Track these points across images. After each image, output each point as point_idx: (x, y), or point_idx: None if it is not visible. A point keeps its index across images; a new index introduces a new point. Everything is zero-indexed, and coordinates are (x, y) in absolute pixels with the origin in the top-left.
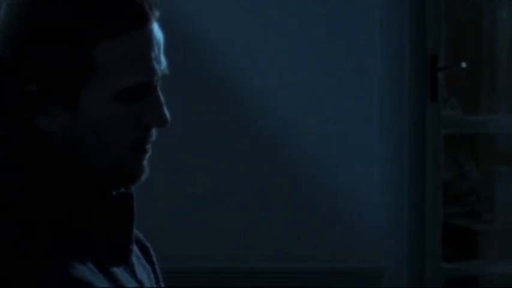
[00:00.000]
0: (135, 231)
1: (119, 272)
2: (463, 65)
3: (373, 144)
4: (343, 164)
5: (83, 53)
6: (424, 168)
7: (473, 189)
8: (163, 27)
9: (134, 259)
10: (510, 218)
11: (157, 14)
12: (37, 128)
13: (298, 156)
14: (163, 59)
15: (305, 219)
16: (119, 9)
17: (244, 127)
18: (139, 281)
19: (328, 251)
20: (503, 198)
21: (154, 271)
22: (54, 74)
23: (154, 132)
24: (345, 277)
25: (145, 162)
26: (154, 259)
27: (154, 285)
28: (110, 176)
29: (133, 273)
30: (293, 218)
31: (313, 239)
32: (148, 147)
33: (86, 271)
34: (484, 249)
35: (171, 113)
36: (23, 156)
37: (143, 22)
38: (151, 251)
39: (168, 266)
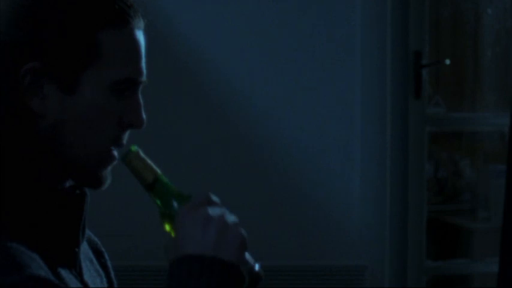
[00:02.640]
0: (91, 236)
1: (64, 272)
2: (447, 62)
3: (356, 141)
4: (325, 161)
5: (89, 35)
6: (407, 166)
7: (468, 187)
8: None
9: (87, 262)
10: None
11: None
12: (29, 109)
13: (279, 156)
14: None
15: (286, 217)
16: (124, 2)
17: (232, 130)
18: (84, 283)
19: (310, 249)
20: (498, 196)
21: (107, 275)
22: (61, 50)
23: (127, 135)
24: (326, 275)
25: (109, 171)
26: (109, 263)
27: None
28: (79, 174)
29: (79, 275)
30: (274, 216)
31: (294, 236)
32: (117, 153)
33: (28, 258)
34: (479, 247)
35: (166, 115)
36: (8, 137)
37: (140, 21)
38: (106, 255)
39: (163, 265)
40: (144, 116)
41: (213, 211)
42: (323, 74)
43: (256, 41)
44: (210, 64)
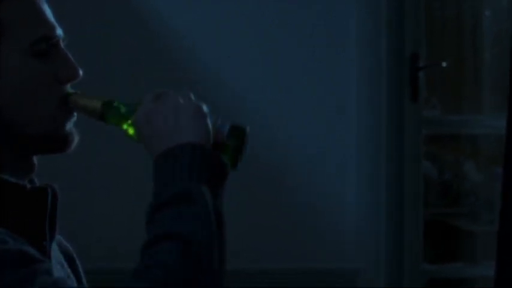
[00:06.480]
0: (63, 241)
1: None
2: (444, 64)
3: (352, 144)
4: (320, 163)
5: None
6: (403, 169)
7: (472, 189)
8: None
9: (58, 266)
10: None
11: None
12: None
13: (274, 157)
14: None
15: (281, 219)
16: None
17: None
18: None
19: (304, 251)
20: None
21: (79, 281)
22: None
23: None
24: (320, 278)
25: (72, 125)
26: (80, 269)
27: None
28: (40, 144)
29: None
30: (268, 218)
31: (289, 239)
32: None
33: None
34: (482, 250)
35: None
36: None
37: None
38: (78, 262)
39: None
40: (76, 65)
41: (169, 99)
42: (317, 76)
43: (253, 45)
44: (207, 64)
